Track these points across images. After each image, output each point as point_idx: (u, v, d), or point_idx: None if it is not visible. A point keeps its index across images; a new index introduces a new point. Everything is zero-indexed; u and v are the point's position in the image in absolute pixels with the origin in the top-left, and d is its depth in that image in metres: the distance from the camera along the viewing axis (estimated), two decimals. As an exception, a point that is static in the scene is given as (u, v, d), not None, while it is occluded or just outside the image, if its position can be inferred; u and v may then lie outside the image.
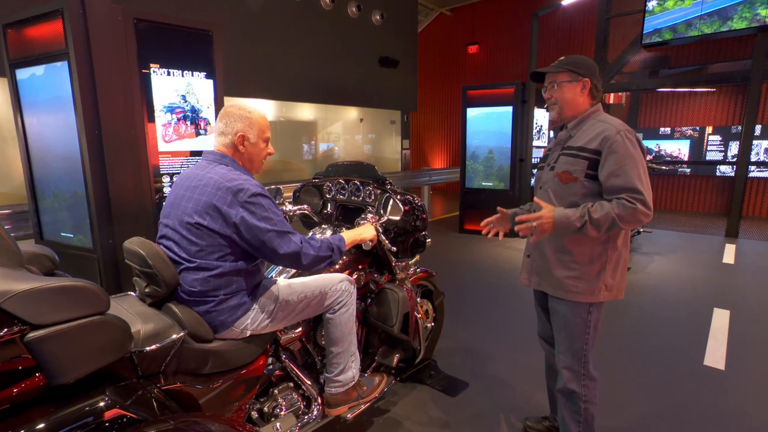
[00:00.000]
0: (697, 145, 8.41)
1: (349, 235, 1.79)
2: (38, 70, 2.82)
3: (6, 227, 3.42)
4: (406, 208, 2.09)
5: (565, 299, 1.72)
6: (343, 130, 9.30)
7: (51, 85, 2.76)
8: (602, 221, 1.53)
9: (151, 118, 2.78)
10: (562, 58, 1.73)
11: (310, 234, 2.18)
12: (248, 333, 1.55)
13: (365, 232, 1.89)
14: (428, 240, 2.23)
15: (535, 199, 1.75)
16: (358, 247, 2.07)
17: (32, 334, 0.99)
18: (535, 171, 1.92)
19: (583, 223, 1.55)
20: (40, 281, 1.01)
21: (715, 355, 2.91)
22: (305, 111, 8.46)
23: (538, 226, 1.58)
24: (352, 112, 9.33)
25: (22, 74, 2.92)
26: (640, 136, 9.02)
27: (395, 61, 8.36)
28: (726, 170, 8.19)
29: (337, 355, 1.82)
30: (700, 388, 2.55)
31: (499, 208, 1.96)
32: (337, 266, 2.02)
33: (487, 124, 6.39)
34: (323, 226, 2.23)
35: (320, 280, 1.79)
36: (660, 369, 2.76)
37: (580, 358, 1.75)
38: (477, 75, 11.16)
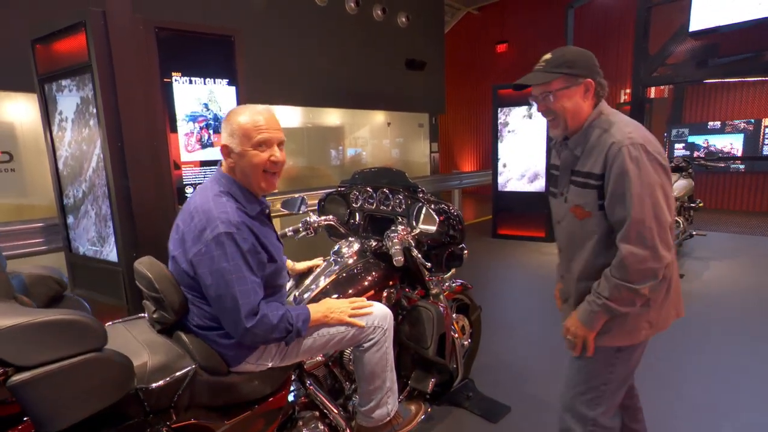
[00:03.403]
0: (753, 139, 7.77)
1: (317, 317, 1.45)
2: (65, 83, 2.82)
3: (39, 240, 3.47)
4: (441, 218, 1.89)
5: None
6: (370, 135, 9.18)
7: (77, 99, 2.74)
8: (617, 295, 1.24)
9: (174, 128, 2.72)
10: (548, 56, 1.35)
11: (337, 247, 2.02)
12: (267, 366, 1.40)
13: (337, 310, 1.50)
14: (465, 252, 2.02)
15: (557, 296, 1.49)
16: (388, 261, 1.89)
17: (16, 378, 0.87)
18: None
19: (604, 307, 1.27)
20: (25, 316, 0.89)
21: (797, 379, 2.54)
22: (332, 116, 8.40)
23: (574, 339, 1.35)
24: (379, 117, 9.20)
25: (50, 88, 2.93)
26: (685, 131, 8.51)
27: (422, 63, 8.18)
28: (787, 165, 7.52)
29: (370, 392, 1.63)
30: (784, 418, 2.21)
31: (555, 294, 1.65)
32: (366, 281, 1.84)
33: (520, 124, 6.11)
34: (350, 238, 2.07)
35: None
36: (725, 395, 2.42)
37: (593, 400, 1.40)
38: (507, 74, 10.79)
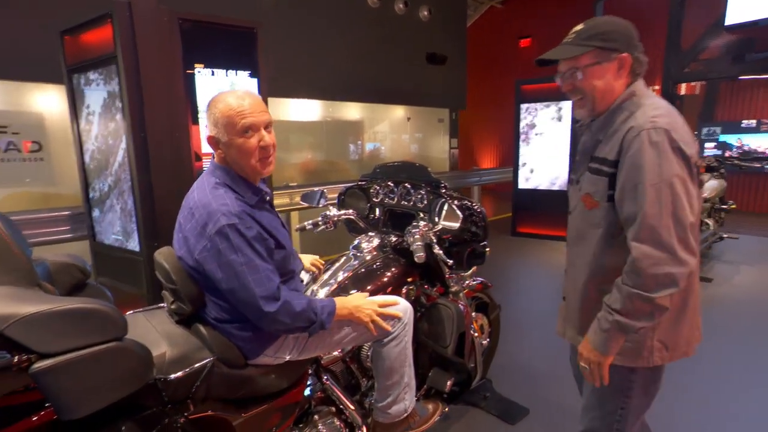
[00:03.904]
0: (790, 139, 7.42)
1: (342, 313, 1.41)
2: (93, 77, 2.86)
3: (65, 228, 3.55)
4: (464, 214, 1.84)
5: None
6: (390, 130, 9.14)
7: (104, 94, 2.78)
8: (630, 306, 1.07)
9: (195, 120, 2.74)
10: (580, 27, 1.18)
11: (356, 241, 2.00)
12: (285, 359, 1.39)
13: (365, 309, 1.45)
14: (487, 250, 1.97)
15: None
16: (408, 257, 1.85)
17: (38, 365, 0.87)
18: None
19: (616, 324, 1.10)
20: (48, 303, 0.89)
21: (837, 392, 2.41)
22: (351, 110, 8.38)
23: (589, 367, 1.18)
24: (399, 111, 9.15)
25: (78, 80, 2.98)
26: (717, 129, 8.18)
27: (443, 58, 8.07)
28: (826, 167, 7.16)
29: (387, 387, 1.61)
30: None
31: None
32: (385, 277, 1.81)
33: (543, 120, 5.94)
34: (370, 233, 2.04)
35: None
36: (751, 403, 2.31)
37: (611, 425, 1.28)
38: (529, 70, 10.56)
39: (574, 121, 1.44)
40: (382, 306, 1.51)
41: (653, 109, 1.13)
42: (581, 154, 1.30)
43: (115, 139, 2.76)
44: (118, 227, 2.91)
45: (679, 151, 1.06)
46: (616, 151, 1.13)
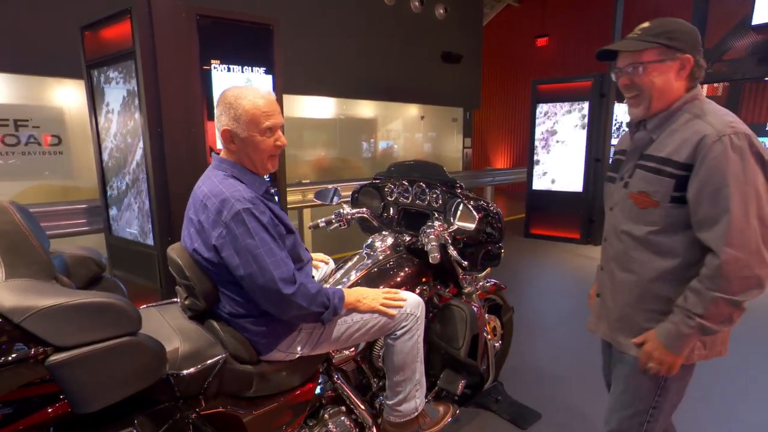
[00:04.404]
0: (815, 143, 7.19)
1: (350, 299, 1.44)
2: (113, 75, 2.89)
3: (81, 221, 3.60)
4: (480, 215, 1.81)
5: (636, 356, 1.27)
6: (403, 128, 9.12)
7: (123, 92, 2.81)
8: (715, 310, 1.08)
9: (211, 116, 2.75)
10: (646, 24, 1.20)
11: (370, 240, 1.99)
12: (297, 355, 1.38)
13: (369, 296, 1.49)
14: (502, 251, 1.94)
15: (591, 296, 1.32)
16: (422, 257, 1.83)
17: (54, 357, 0.87)
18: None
19: (699, 327, 1.11)
20: (65, 296, 0.89)
21: None
22: (365, 108, 8.38)
23: (658, 366, 1.18)
24: (412, 110, 9.12)
25: (97, 76, 3.01)
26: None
27: (458, 57, 8.02)
28: None
29: (398, 383, 1.60)
30: None
31: (591, 294, 1.52)
32: (398, 277, 1.80)
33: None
34: (384, 232, 2.03)
35: None
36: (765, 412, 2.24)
37: (641, 424, 1.28)
38: (546, 69, 10.45)
39: (630, 122, 1.41)
40: (385, 296, 1.53)
41: (725, 114, 1.13)
42: (631, 152, 1.29)
43: (133, 138, 2.78)
44: (135, 226, 2.93)
45: (759, 156, 1.08)
46: (687, 154, 1.12)
